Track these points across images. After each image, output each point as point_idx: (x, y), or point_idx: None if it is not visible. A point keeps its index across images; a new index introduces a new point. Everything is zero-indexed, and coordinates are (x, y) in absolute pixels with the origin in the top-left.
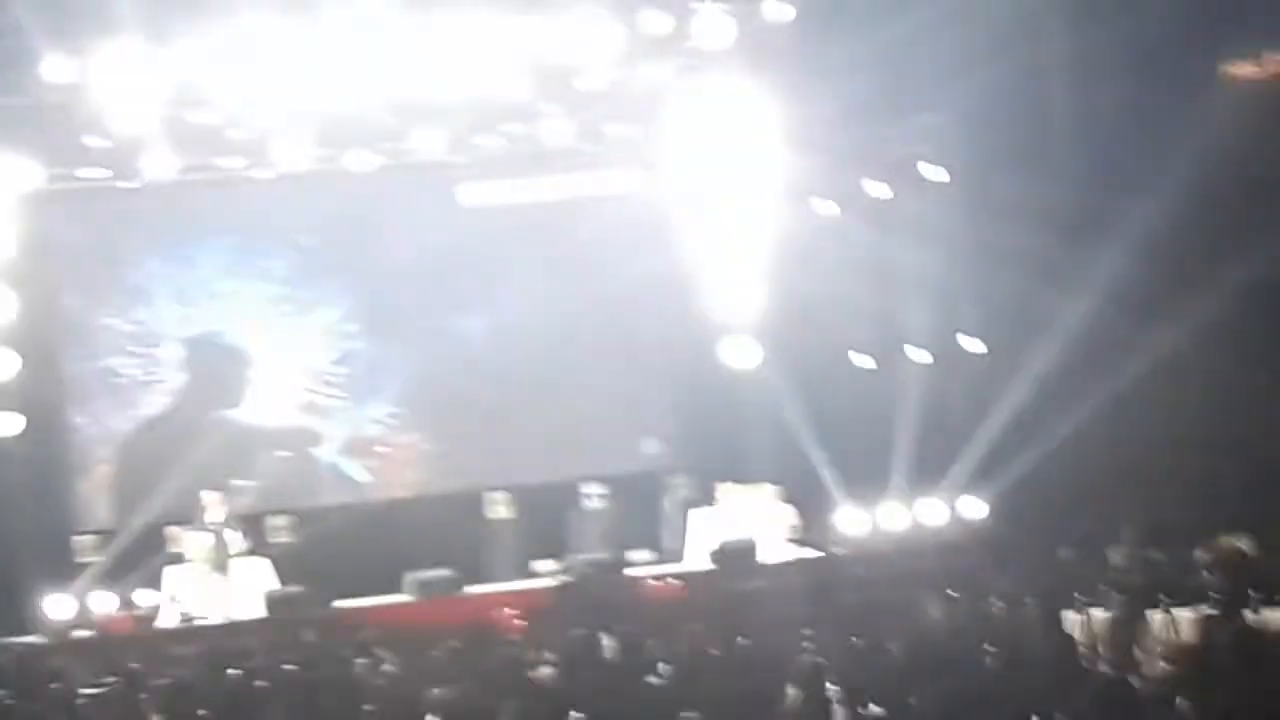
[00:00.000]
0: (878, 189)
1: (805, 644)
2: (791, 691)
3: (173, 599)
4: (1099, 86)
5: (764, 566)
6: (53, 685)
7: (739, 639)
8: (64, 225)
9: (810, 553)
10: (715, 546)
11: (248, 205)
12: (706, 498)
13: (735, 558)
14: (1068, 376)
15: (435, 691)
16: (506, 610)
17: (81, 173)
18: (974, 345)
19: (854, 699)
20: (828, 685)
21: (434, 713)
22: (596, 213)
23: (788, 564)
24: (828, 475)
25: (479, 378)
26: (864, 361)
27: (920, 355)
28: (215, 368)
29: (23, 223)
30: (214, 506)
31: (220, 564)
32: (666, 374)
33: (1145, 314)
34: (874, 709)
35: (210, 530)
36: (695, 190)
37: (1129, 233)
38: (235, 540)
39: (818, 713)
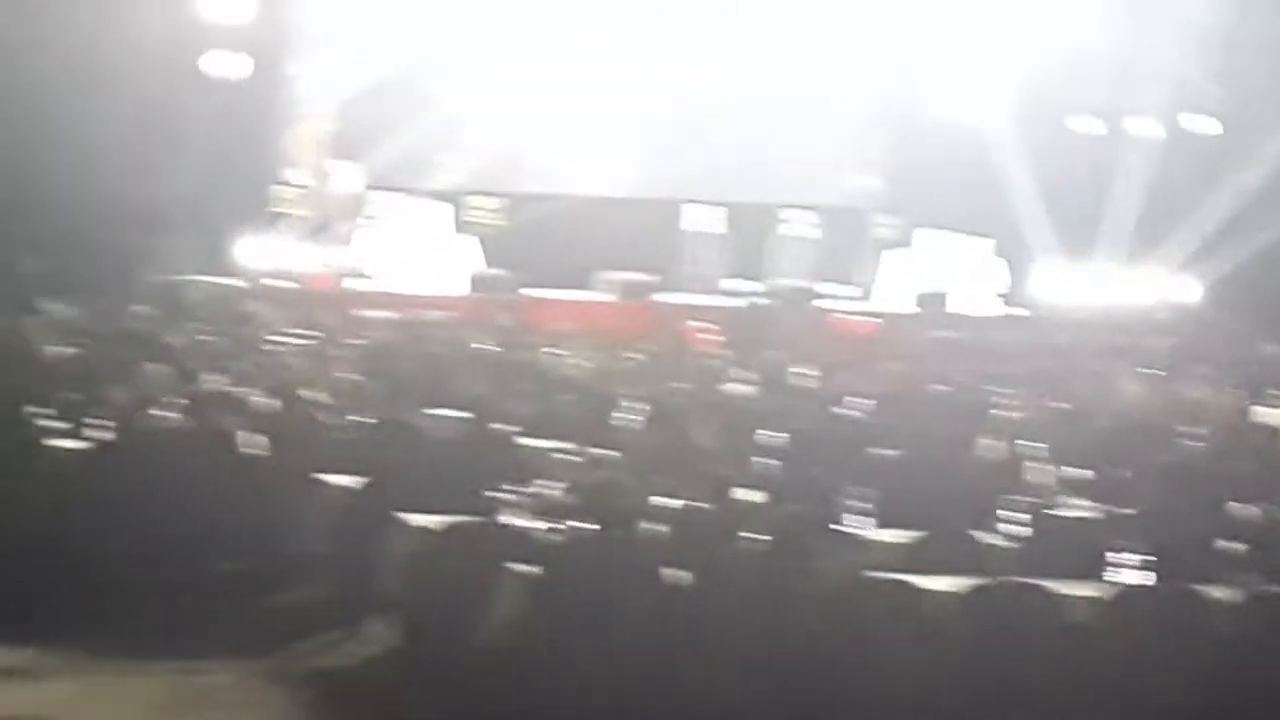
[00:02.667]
0: None
1: (1002, 399)
2: (985, 442)
3: (369, 261)
4: None
5: (961, 318)
6: (244, 329)
7: (936, 385)
8: None
9: (1013, 310)
10: (914, 291)
11: None
12: (908, 240)
13: (933, 305)
14: None
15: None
16: (697, 323)
17: None
18: (1210, 122)
19: (1054, 460)
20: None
21: (626, 413)
22: None
23: (988, 319)
24: (1039, 235)
25: (699, 87)
26: (1091, 125)
27: (1151, 124)
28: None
29: None
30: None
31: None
32: (888, 113)
33: None
34: (1071, 472)
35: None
36: None
37: None
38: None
39: (1011, 467)
